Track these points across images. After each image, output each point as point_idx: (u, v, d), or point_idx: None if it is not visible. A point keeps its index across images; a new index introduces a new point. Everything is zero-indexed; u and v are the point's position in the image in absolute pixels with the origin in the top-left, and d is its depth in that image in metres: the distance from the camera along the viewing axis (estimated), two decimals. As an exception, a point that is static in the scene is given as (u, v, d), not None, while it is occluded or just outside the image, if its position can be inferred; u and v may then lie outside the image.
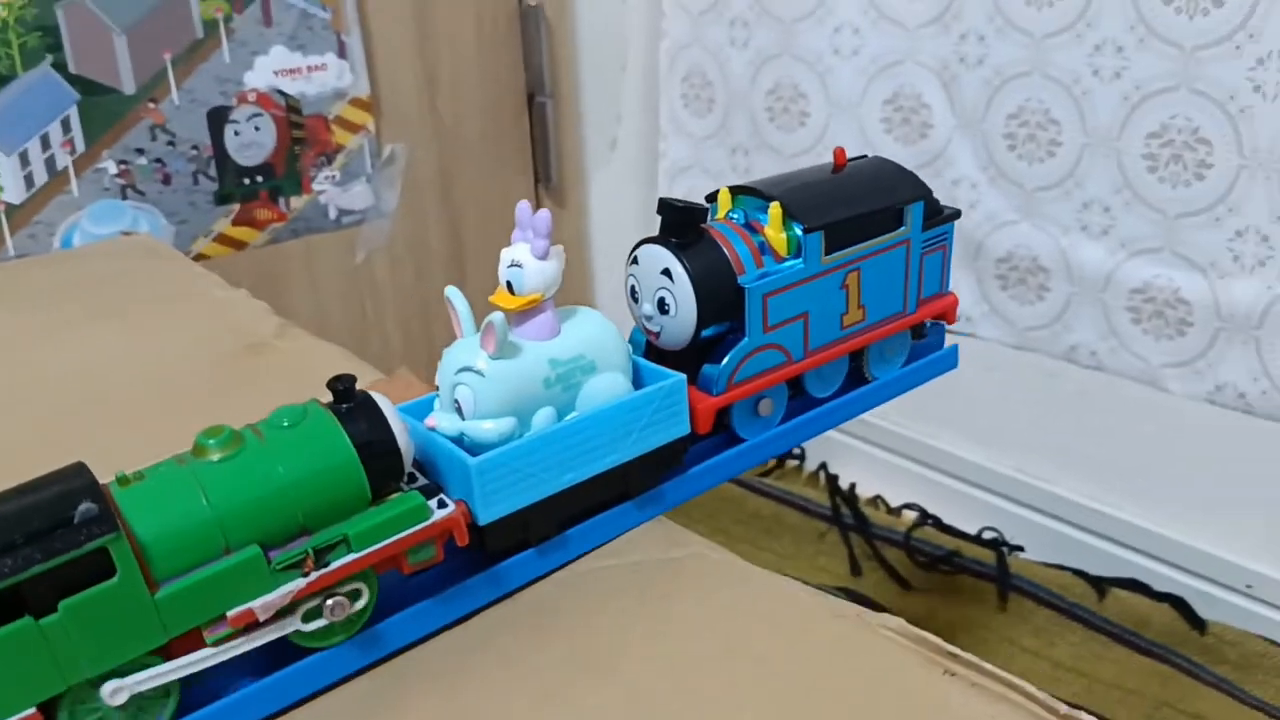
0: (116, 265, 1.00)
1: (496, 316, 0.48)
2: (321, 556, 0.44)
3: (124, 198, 1.15)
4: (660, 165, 1.48)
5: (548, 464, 0.49)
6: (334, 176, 1.26)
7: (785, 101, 1.32)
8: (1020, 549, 1.21)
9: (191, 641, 0.42)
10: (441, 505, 0.46)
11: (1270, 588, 1.05)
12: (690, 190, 1.45)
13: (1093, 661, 1.06)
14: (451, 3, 1.31)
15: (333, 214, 1.28)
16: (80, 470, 0.41)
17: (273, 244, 1.25)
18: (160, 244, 1.08)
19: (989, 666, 0.46)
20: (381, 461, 0.45)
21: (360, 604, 0.45)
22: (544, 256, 0.51)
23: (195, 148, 1.17)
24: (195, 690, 0.43)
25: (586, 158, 1.49)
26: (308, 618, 0.44)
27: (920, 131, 1.20)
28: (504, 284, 0.51)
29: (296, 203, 1.25)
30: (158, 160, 1.16)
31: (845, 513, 1.27)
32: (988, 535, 1.22)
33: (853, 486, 1.32)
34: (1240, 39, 0.95)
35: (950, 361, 0.66)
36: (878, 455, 1.37)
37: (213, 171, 1.19)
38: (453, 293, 0.51)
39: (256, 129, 1.20)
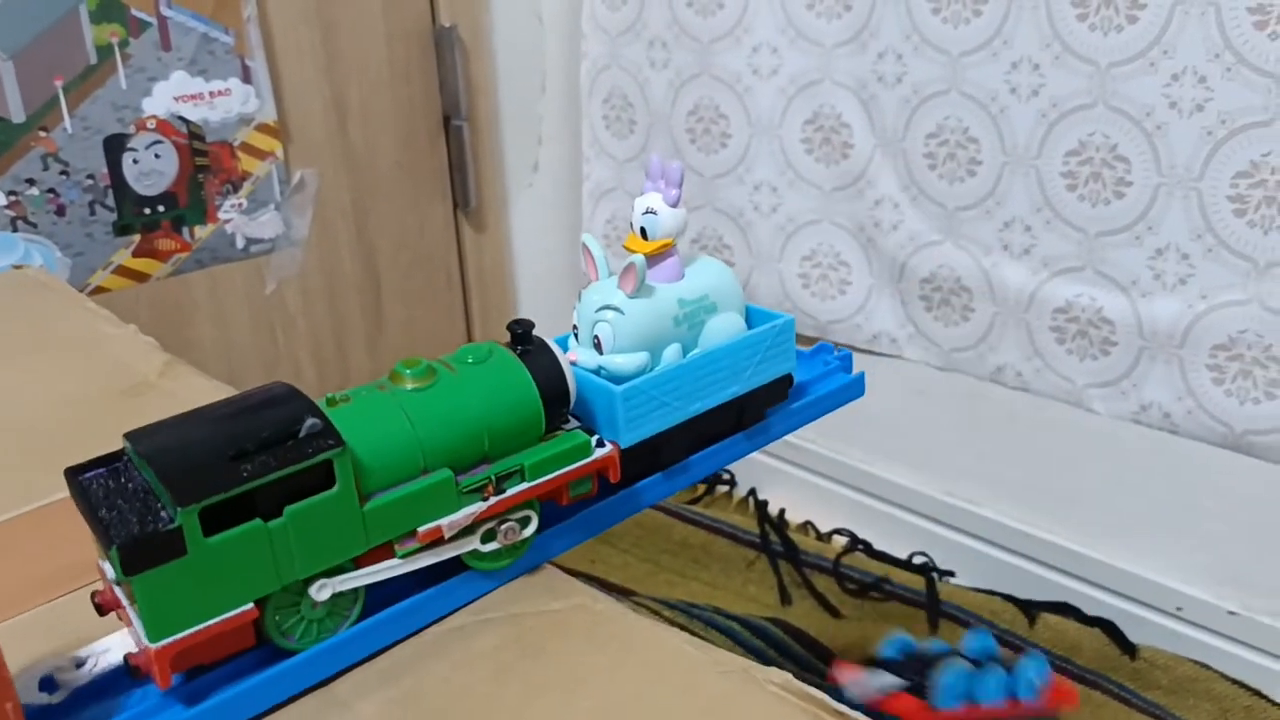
0: (2, 301, 0.94)
1: (638, 258, 0.53)
2: (500, 483, 0.47)
3: (15, 230, 1.10)
4: (584, 188, 1.45)
5: (679, 394, 0.54)
6: (241, 205, 1.22)
7: (706, 123, 1.30)
8: (951, 574, 1.19)
9: (376, 555, 0.45)
10: (600, 445, 0.51)
11: (1200, 610, 1.04)
12: (614, 213, 1.43)
13: (1024, 689, 1.04)
14: (361, 24, 1.27)
15: (240, 243, 1.23)
16: (291, 389, 0.44)
17: (176, 275, 1.20)
18: (51, 278, 1.03)
19: (885, 726, 0.43)
20: (555, 398, 0.49)
21: (528, 531, 0.49)
22: (675, 204, 0.55)
23: (91, 177, 1.12)
24: (374, 596, 0.47)
25: (507, 182, 1.46)
26: (486, 539, 0.48)
27: (841, 152, 1.18)
28: (637, 230, 0.56)
29: (201, 232, 1.20)
30: (50, 190, 1.11)
31: (774, 540, 1.24)
32: (918, 560, 1.20)
33: (781, 512, 1.30)
34: (1155, 55, 0.94)
35: (858, 389, 0.65)
36: (807, 479, 1.34)
37: (111, 201, 1.14)
38: (589, 239, 0.56)
39: (157, 156, 1.15)
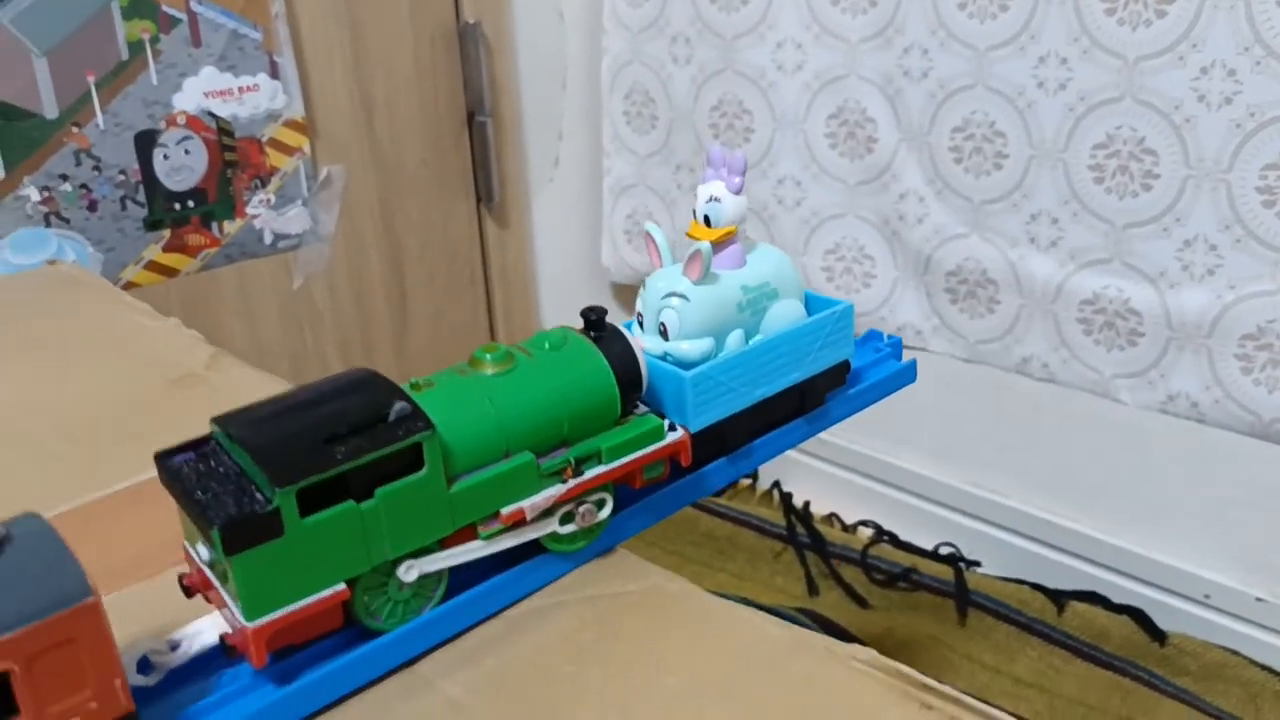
0: (40, 296, 0.95)
1: (704, 245, 0.53)
2: (579, 466, 0.48)
3: (48, 225, 1.11)
4: (604, 183, 1.46)
5: (744, 379, 0.55)
6: (269, 200, 1.23)
7: (729, 118, 1.30)
8: (977, 564, 1.20)
9: (459, 537, 0.46)
10: (671, 429, 0.52)
11: (1228, 597, 1.05)
12: (634, 209, 1.43)
13: (1054, 676, 1.05)
14: (387, 21, 1.28)
15: (268, 239, 1.24)
16: (375, 374, 0.45)
17: (206, 270, 1.21)
18: (86, 273, 1.04)
19: (967, 699, 0.44)
20: (630, 383, 0.51)
21: (604, 513, 0.50)
22: (738, 192, 0.56)
23: (123, 173, 1.13)
24: (454, 579, 0.48)
25: (529, 177, 1.47)
26: (564, 521, 0.49)
27: (866, 146, 1.19)
28: (700, 218, 0.56)
29: (230, 228, 1.21)
30: (83, 186, 1.11)
31: (800, 531, 1.25)
32: (944, 551, 1.21)
33: (807, 504, 1.31)
34: (1183, 49, 0.95)
35: (909, 376, 0.65)
36: (831, 472, 1.35)
37: (141, 197, 1.15)
38: (652, 228, 0.57)
39: (187, 152, 1.16)
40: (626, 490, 0.53)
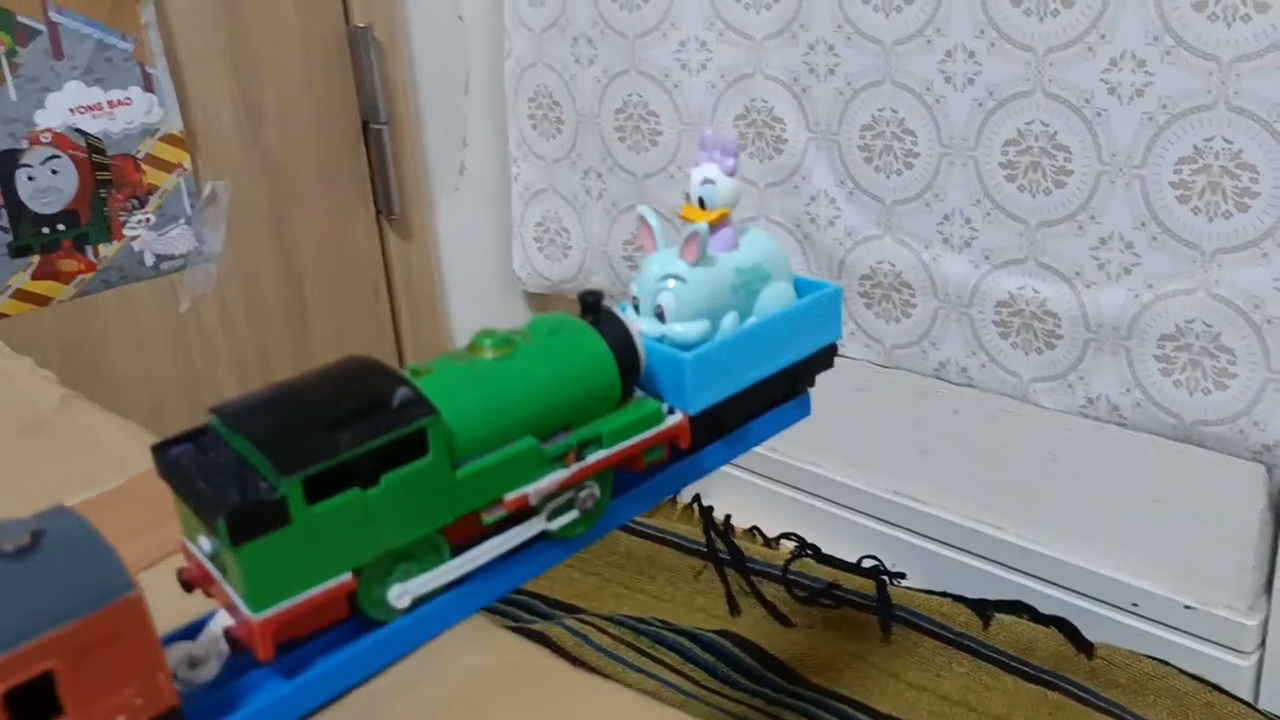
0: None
1: (700, 227, 0.53)
2: (581, 451, 0.48)
3: (-98, 256, 1.03)
4: (513, 190, 1.40)
5: (741, 361, 0.55)
6: (148, 220, 1.16)
7: (635, 120, 1.25)
8: (902, 576, 1.16)
9: (461, 524, 0.45)
10: (670, 412, 0.51)
11: (1156, 605, 1.02)
12: (545, 215, 1.38)
13: (981, 693, 1.02)
14: (270, 26, 1.22)
15: (150, 260, 1.17)
16: (373, 361, 0.45)
17: (83, 297, 1.14)
18: (-58, 307, 0.97)
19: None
20: (630, 367, 0.50)
21: (603, 498, 0.50)
22: (732, 174, 0.56)
23: (-16, 196, 1.06)
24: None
25: (432, 185, 1.41)
26: (564, 507, 0.48)
27: (775, 147, 1.15)
28: (694, 200, 0.56)
29: (107, 251, 1.14)
30: (-61, 212, 1.04)
31: (721, 548, 1.20)
32: (868, 564, 1.17)
33: (728, 519, 1.26)
34: (1092, 40, 0.91)
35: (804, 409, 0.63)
36: (753, 482, 1.31)
37: (5, 221, 1.07)
38: (645, 210, 0.56)
39: (54, 173, 1.09)
40: (625, 474, 0.52)
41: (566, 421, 0.48)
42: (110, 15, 1.08)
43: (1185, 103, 0.88)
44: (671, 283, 0.54)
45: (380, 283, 1.38)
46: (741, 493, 1.30)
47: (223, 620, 0.43)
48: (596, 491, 0.49)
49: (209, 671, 0.42)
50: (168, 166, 1.16)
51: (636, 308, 0.56)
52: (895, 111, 1.05)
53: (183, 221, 1.18)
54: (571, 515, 0.48)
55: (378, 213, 1.35)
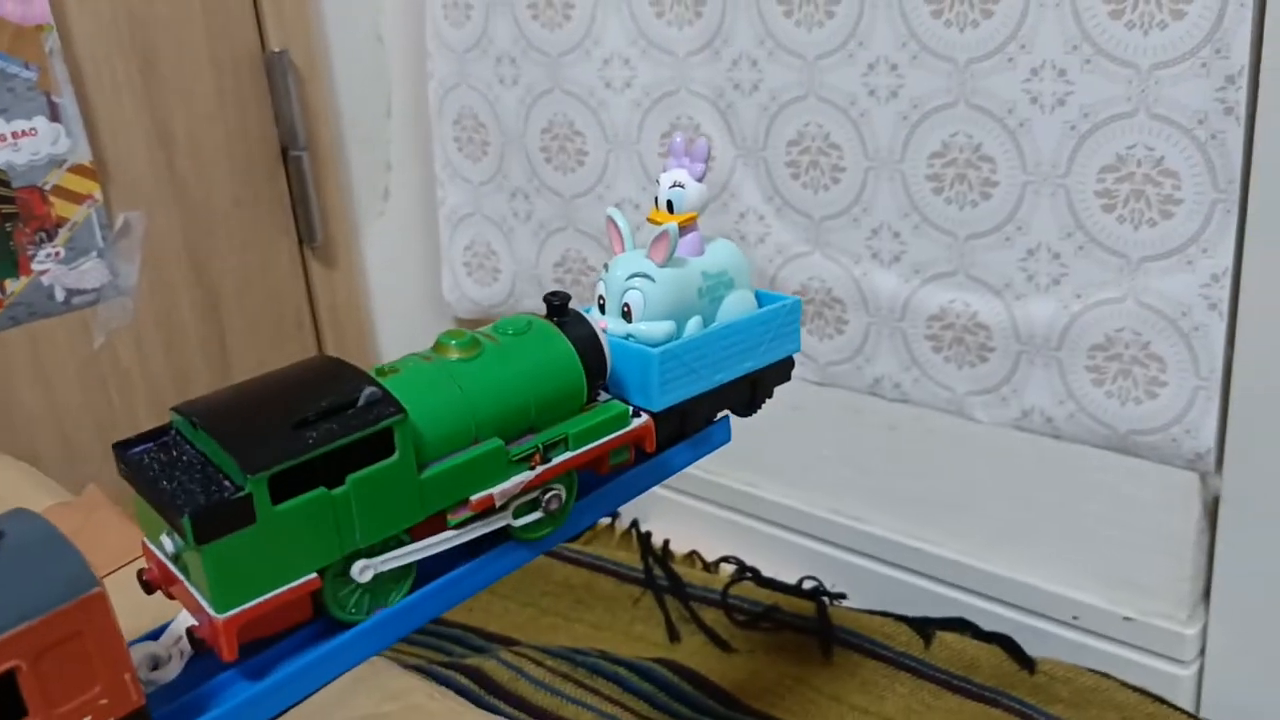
0: None
1: (671, 227, 0.54)
2: (546, 453, 0.48)
3: None
4: (440, 214, 1.37)
5: (707, 361, 0.56)
6: (58, 254, 1.12)
7: (561, 140, 1.23)
8: (843, 596, 1.15)
9: (426, 525, 0.45)
10: (636, 415, 0.52)
11: (1096, 617, 1.01)
12: (474, 239, 1.35)
13: (923, 713, 1.00)
14: (182, 53, 1.18)
15: (60, 295, 1.13)
16: (339, 361, 0.44)
17: (-11, 335, 1.10)
18: None
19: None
20: (596, 368, 0.51)
21: (567, 500, 0.50)
22: (701, 179, 0.58)
23: (-120, 233, 1.01)
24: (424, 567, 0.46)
25: (356, 212, 1.38)
26: (529, 508, 0.48)
27: (702, 163, 1.13)
28: (663, 205, 0.58)
29: (13, 286, 1.10)
30: None
31: (659, 575, 1.18)
32: (808, 585, 1.15)
33: (666, 544, 1.24)
34: (1012, 50, 0.91)
35: (724, 436, 0.64)
36: (691, 505, 1.29)
37: (-98, 259, 1.03)
38: (614, 212, 0.58)
39: (-46, 207, 1.05)
40: (590, 476, 0.52)
41: (533, 423, 0.48)
42: (11, 44, 1.05)
43: (1106, 111, 0.87)
44: (639, 281, 0.54)
45: (304, 313, 1.34)
46: (680, 517, 1.28)
47: (184, 622, 0.42)
48: (562, 493, 0.49)
49: (171, 672, 0.41)
50: (77, 198, 1.12)
51: (602, 307, 0.56)
52: (820, 126, 1.04)
53: (95, 254, 1.14)
54: (536, 516, 0.48)
55: (299, 241, 1.32)
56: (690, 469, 1.28)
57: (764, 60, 1.05)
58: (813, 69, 1.02)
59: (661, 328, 0.54)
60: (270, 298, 1.30)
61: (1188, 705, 0.98)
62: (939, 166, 0.98)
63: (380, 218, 1.41)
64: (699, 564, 1.24)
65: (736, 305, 0.59)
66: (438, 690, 0.47)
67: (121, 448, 0.42)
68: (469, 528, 0.46)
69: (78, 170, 1.12)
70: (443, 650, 1.13)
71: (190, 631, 0.42)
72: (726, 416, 0.62)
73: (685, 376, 0.55)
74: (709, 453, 0.63)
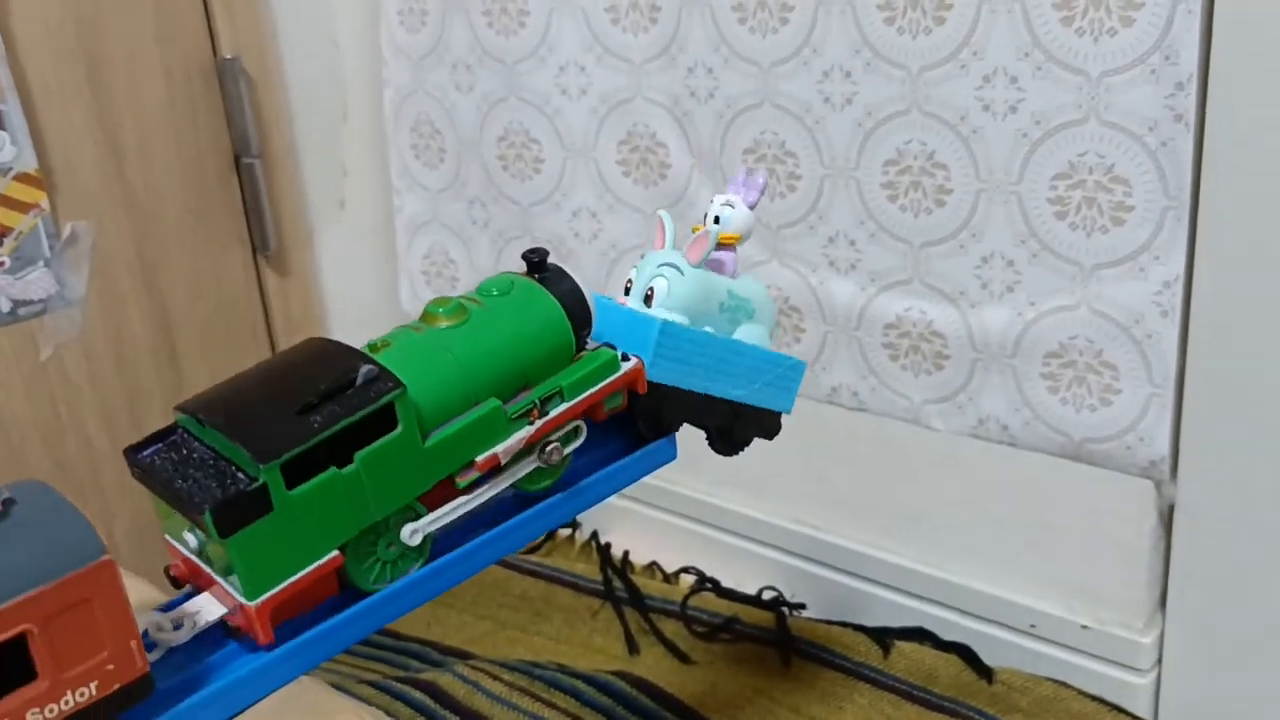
0: None
1: (712, 229, 0.57)
2: (544, 406, 0.49)
3: None
4: (397, 222, 1.36)
5: (703, 364, 0.56)
6: (3, 264, 1.10)
7: (517, 148, 1.22)
8: (802, 606, 1.14)
9: (436, 491, 0.46)
10: (625, 359, 0.53)
11: (1053, 626, 1.01)
12: (432, 248, 1.34)
13: (883, 724, 0.99)
14: (131, 59, 1.16)
15: (6, 306, 1.11)
16: (330, 341, 0.46)
17: (-68, 347, 1.08)
18: None
19: None
20: (582, 319, 0.52)
21: (570, 448, 0.51)
22: (753, 207, 0.60)
23: None
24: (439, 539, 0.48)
25: (311, 219, 1.36)
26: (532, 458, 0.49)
27: (659, 172, 1.12)
28: (710, 219, 0.60)
29: (-43, 298, 1.08)
30: None
31: (618, 586, 1.17)
32: (768, 595, 1.14)
33: (625, 555, 1.23)
34: (965, 57, 0.91)
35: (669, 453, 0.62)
36: (651, 515, 1.28)
37: None
38: (665, 214, 0.60)
39: (-106, 217, 1.03)
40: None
41: (526, 379, 0.49)
42: (-48, 50, 1.03)
43: (1058, 118, 0.87)
44: (668, 270, 0.55)
45: (259, 322, 1.33)
46: (640, 527, 1.27)
47: (196, 600, 0.43)
48: (562, 443, 0.50)
49: (182, 635, 0.42)
50: (23, 207, 1.10)
51: (627, 290, 0.57)
52: (776, 134, 1.03)
53: (41, 264, 1.12)
54: (535, 463, 0.49)
55: (253, 249, 1.30)
56: (651, 479, 1.28)
57: (720, 67, 1.05)
58: (768, 76, 1.02)
59: (677, 318, 0.55)
60: (223, 307, 1.28)
61: (1145, 713, 0.98)
62: (894, 174, 0.97)
63: (336, 225, 1.39)
64: (659, 575, 1.23)
65: (750, 335, 0.60)
66: (368, 711, 0.46)
67: (132, 451, 0.44)
68: (480, 489, 0.48)
69: (23, 179, 1.10)
70: (400, 665, 1.12)
71: (226, 622, 0.43)
72: (674, 435, 0.61)
73: (679, 364, 0.55)
74: (659, 467, 0.62)
